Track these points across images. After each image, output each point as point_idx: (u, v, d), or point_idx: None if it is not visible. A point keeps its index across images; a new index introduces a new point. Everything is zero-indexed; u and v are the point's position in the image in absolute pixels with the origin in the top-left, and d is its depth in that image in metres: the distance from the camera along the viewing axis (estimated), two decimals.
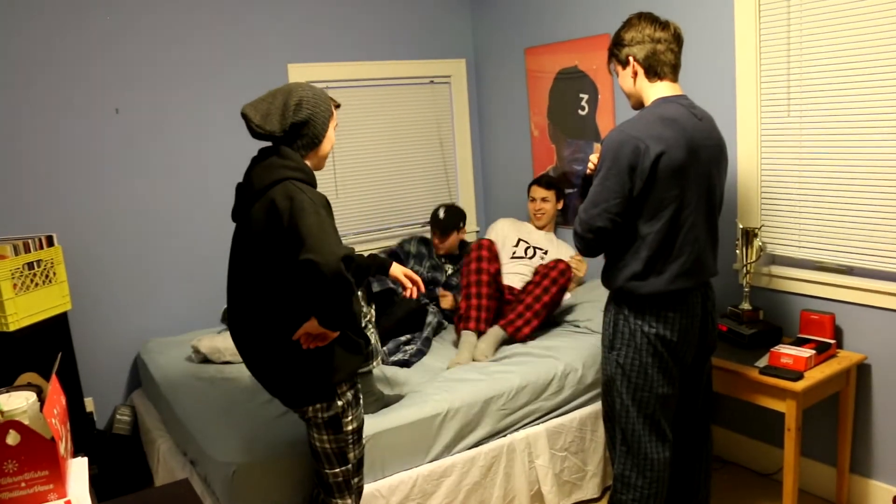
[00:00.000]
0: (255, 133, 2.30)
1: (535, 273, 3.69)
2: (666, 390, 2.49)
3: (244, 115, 2.29)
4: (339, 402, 2.37)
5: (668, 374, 2.48)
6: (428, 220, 4.61)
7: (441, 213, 4.26)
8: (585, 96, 4.13)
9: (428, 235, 4.44)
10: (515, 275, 4.01)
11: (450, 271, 4.26)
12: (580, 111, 4.18)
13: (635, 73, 2.48)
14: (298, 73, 4.28)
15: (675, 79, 2.49)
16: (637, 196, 2.34)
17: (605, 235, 2.39)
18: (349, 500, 2.49)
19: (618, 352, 2.50)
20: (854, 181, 2.93)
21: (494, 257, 3.68)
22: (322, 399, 2.35)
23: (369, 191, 4.67)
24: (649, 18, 2.48)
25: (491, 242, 3.72)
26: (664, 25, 2.46)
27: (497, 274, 3.67)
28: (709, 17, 3.34)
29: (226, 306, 3.69)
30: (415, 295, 2.75)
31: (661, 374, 2.47)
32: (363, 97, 4.57)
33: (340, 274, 2.09)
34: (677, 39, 2.47)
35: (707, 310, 2.55)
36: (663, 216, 2.36)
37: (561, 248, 4.20)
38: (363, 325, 2.63)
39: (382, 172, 4.71)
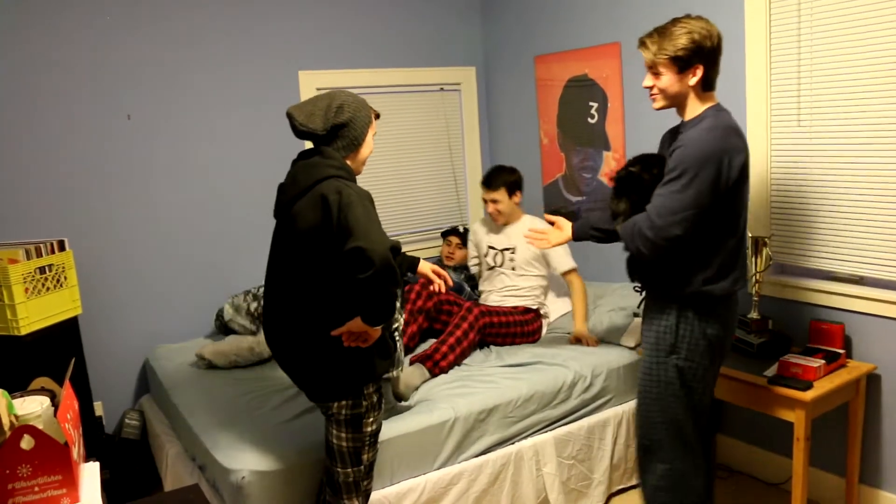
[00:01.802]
0: (299, 131, 2.40)
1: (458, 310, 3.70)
2: (711, 392, 2.57)
3: (289, 115, 2.40)
4: (364, 403, 2.43)
5: (716, 375, 2.56)
6: (437, 227, 4.67)
7: (462, 229, 4.44)
8: (595, 104, 4.13)
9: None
10: (507, 296, 3.90)
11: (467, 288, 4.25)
12: (590, 119, 4.18)
13: (696, 83, 2.40)
14: (309, 80, 4.30)
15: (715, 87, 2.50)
16: (717, 205, 2.35)
17: (679, 243, 2.37)
18: (356, 502, 2.51)
19: (678, 356, 2.49)
20: (864, 191, 2.92)
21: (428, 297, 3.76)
22: (349, 396, 2.40)
23: (378, 197, 4.67)
24: (713, 25, 2.40)
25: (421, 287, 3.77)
26: (721, 35, 2.42)
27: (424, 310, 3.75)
28: (719, 26, 3.33)
29: (218, 309, 3.75)
30: (443, 289, 2.81)
31: (713, 374, 2.54)
32: (373, 104, 4.54)
33: (389, 262, 2.17)
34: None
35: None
36: (739, 222, 2.43)
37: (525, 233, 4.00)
38: (391, 331, 2.67)
39: (392, 179, 4.72)
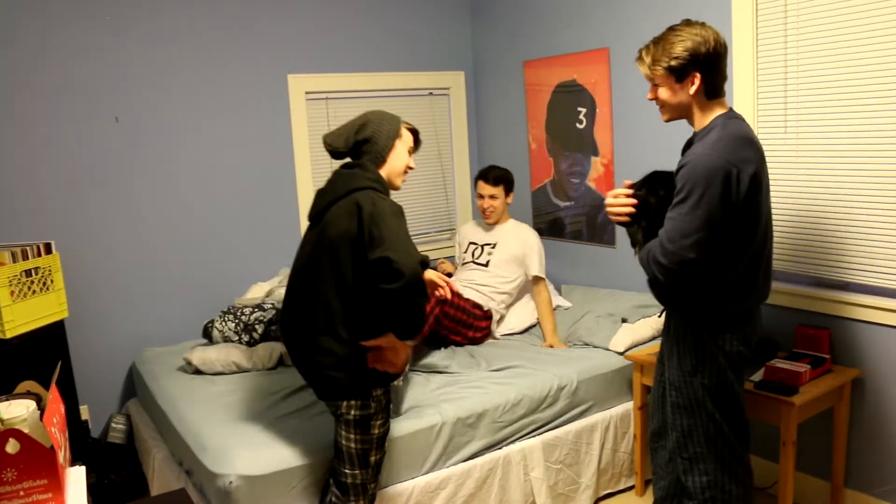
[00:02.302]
0: (329, 151, 2.63)
1: None
2: (743, 404, 2.53)
3: (323, 139, 2.64)
4: (373, 404, 2.51)
5: (742, 387, 2.52)
6: (426, 230, 4.69)
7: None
8: (583, 110, 4.15)
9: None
10: (467, 286, 3.92)
11: None
12: (578, 125, 4.20)
13: (696, 92, 2.32)
14: (298, 84, 4.30)
15: (724, 94, 2.41)
16: (730, 221, 2.25)
17: (695, 266, 2.25)
18: (363, 503, 2.57)
19: (702, 374, 2.43)
20: (850, 198, 2.95)
21: None
22: (357, 397, 2.48)
23: None
24: (712, 30, 2.31)
25: None
26: (722, 41, 2.33)
27: None
28: None
29: (208, 321, 3.71)
30: (448, 295, 2.90)
31: (741, 387, 2.50)
32: (362, 108, 4.59)
33: (417, 274, 2.31)
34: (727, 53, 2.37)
35: (761, 322, 2.58)
36: (755, 237, 2.32)
37: (511, 236, 4.01)
38: None
39: None
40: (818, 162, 3.04)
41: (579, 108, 4.18)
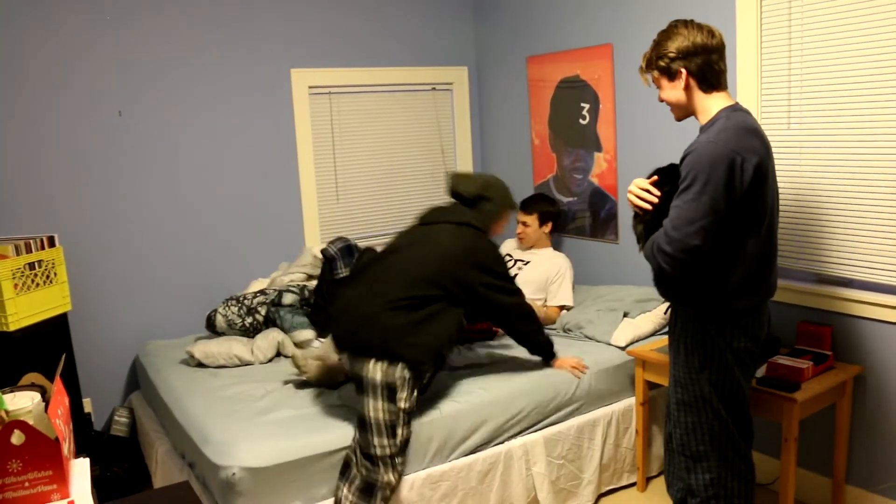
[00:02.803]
0: (451, 191, 3.10)
1: None
2: (749, 397, 2.54)
3: (449, 176, 3.13)
4: (399, 373, 2.69)
5: (749, 384, 2.52)
6: None
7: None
8: (587, 106, 4.15)
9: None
10: None
11: None
12: (581, 120, 4.20)
13: (687, 86, 2.39)
14: (302, 78, 4.30)
15: (727, 87, 2.43)
16: (734, 211, 2.27)
17: (700, 254, 2.27)
18: (392, 476, 2.68)
19: (709, 370, 2.44)
20: (853, 194, 2.95)
21: None
22: (390, 358, 2.68)
23: (370, 195, 4.69)
24: (696, 26, 2.36)
25: None
26: (712, 33, 2.36)
27: None
28: None
29: (209, 315, 3.73)
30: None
31: (748, 384, 2.50)
32: (365, 103, 4.60)
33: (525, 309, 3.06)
34: (724, 47, 2.40)
35: (769, 315, 2.60)
36: (762, 228, 2.33)
37: (545, 261, 4.08)
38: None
39: (383, 178, 4.73)
40: (821, 158, 3.04)
41: (583, 104, 4.17)
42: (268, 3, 4.17)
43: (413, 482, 2.84)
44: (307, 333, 3.67)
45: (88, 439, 3.58)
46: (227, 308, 3.76)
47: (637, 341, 3.53)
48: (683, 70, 2.36)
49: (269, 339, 3.62)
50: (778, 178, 3.17)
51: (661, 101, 2.49)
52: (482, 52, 4.93)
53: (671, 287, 2.47)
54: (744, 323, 2.41)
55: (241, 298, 3.82)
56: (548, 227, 4.15)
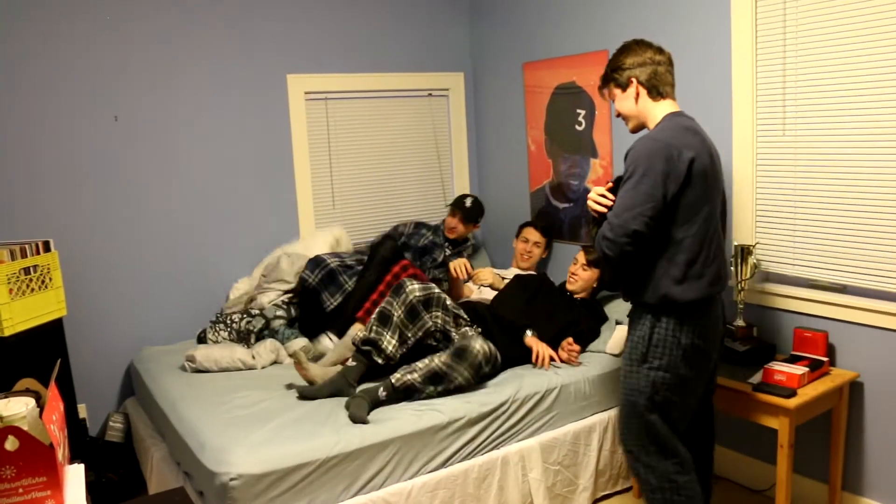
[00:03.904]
0: None
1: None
2: (694, 401, 2.59)
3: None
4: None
5: (699, 383, 2.56)
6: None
7: (468, 203, 4.44)
8: (582, 112, 4.15)
9: (425, 220, 4.63)
10: (476, 300, 3.93)
11: (448, 253, 4.41)
12: (577, 127, 4.21)
13: (637, 95, 2.58)
14: (298, 84, 4.30)
15: (674, 97, 2.60)
16: (671, 201, 2.40)
17: (640, 240, 2.41)
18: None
19: (650, 365, 2.50)
20: (848, 200, 2.96)
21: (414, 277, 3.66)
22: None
23: (366, 200, 4.68)
24: (646, 44, 2.61)
25: (409, 263, 3.88)
26: (661, 50, 2.61)
27: None
28: (705, 35, 3.38)
29: (201, 331, 3.75)
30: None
31: (695, 383, 2.55)
32: (361, 108, 4.60)
33: None
34: (672, 63, 2.63)
35: (724, 318, 2.65)
36: (697, 220, 2.44)
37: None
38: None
39: (379, 183, 4.73)
40: (816, 163, 3.05)
41: (578, 110, 4.18)
42: (264, 8, 4.18)
43: (411, 489, 2.83)
44: (301, 341, 3.67)
45: (83, 445, 3.57)
46: (215, 333, 3.77)
47: None
48: (634, 79, 2.57)
49: (268, 344, 3.62)
50: (773, 183, 3.19)
51: (618, 115, 2.69)
52: (478, 58, 4.93)
53: (619, 278, 2.60)
54: (693, 319, 2.48)
55: (227, 321, 3.81)
56: (545, 254, 4.35)
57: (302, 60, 4.33)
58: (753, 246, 3.19)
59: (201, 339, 3.79)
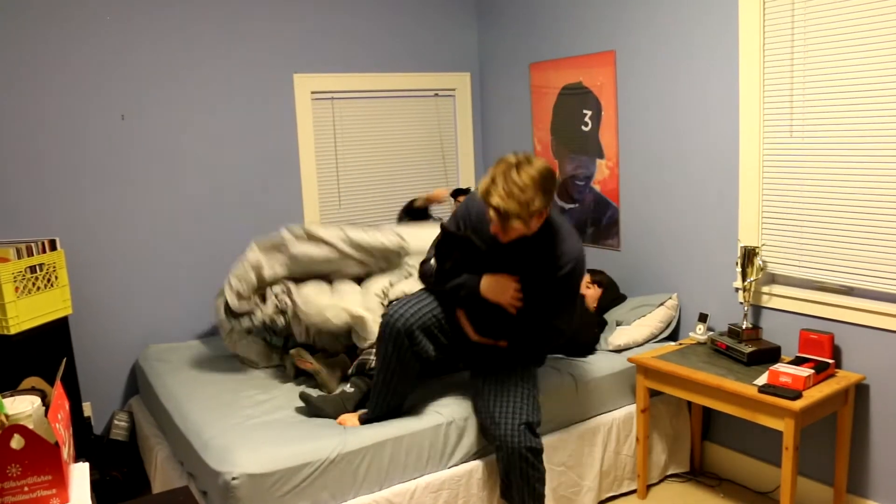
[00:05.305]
0: None
1: None
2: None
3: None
4: None
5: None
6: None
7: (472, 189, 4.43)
8: (589, 112, 4.15)
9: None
10: None
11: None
12: (583, 127, 4.20)
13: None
14: (304, 83, 4.31)
15: None
16: None
17: None
18: None
19: None
20: (855, 202, 2.95)
21: None
22: None
23: (372, 200, 4.69)
24: (551, 175, 2.82)
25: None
26: (555, 175, 2.85)
27: None
28: (713, 36, 3.37)
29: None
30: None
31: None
32: (368, 108, 4.60)
33: None
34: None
35: None
36: None
37: None
38: None
39: (385, 183, 4.73)
40: (823, 166, 3.04)
41: (585, 111, 4.18)
42: (271, 8, 4.18)
43: (415, 489, 2.83)
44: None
45: (88, 443, 3.58)
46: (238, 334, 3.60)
47: (629, 349, 3.55)
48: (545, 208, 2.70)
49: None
50: (779, 185, 3.18)
51: (516, 236, 2.70)
52: (485, 59, 4.93)
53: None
54: None
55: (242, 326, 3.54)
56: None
57: (308, 60, 4.34)
58: (760, 247, 3.18)
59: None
